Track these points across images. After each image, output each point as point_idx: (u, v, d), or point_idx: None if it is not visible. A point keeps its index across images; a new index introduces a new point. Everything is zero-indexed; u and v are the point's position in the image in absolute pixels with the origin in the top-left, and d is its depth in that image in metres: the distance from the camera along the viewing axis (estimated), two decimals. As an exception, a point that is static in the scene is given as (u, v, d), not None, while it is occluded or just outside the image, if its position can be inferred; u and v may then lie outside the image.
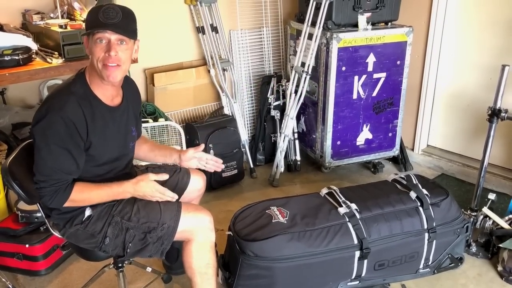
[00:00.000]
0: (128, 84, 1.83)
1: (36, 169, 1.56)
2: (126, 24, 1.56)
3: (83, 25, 2.42)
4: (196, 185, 2.07)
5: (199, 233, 1.75)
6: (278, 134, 3.37)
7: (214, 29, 3.20)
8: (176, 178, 2.00)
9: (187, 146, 2.99)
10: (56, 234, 1.79)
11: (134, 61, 2.42)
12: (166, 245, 1.71)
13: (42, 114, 1.54)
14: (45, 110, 1.54)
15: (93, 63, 1.58)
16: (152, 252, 1.71)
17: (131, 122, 1.80)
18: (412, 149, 3.57)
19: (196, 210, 1.79)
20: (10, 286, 2.21)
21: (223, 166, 2.04)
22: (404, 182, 2.31)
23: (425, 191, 2.22)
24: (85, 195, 1.64)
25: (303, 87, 3.07)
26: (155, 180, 1.68)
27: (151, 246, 1.70)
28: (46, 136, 1.53)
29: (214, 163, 2.01)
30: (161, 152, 2.04)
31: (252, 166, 3.41)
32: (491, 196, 2.50)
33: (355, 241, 2.03)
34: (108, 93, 1.67)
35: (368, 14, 2.97)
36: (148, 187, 1.67)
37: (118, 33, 1.54)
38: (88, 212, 1.70)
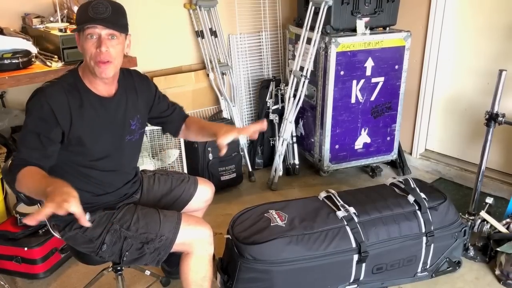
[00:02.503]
0: (129, 76, 1.79)
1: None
2: (116, 19, 1.55)
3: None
4: (203, 196, 2.03)
5: (197, 246, 1.73)
6: (277, 138, 3.38)
7: (213, 33, 3.22)
8: (182, 188, 1.97)
9: (186, 150, 2.99)
10: (56, 234, 1.79)
11: (132, 62, 2.44)
12: (162, 255, 1.70)
13: (30, 97, 1.56)
14: (33, 93, 1.56)
15: (85, 59, 1.57)
16: (148, 261, 1.71)
17: (130, 115, 1.74)
18: (410, 153, 3.58)
19: (196, 223, 1.75)
20: (9, 289, 2.22)
21: (264, 126, 1.76)
22: (402, 186, 2.32)
23: (423, 195, 2.23)
24: (25, 180, 1.44)
25: (301, 91, 3.08)
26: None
27: (147, 256, 1.69)
28: (25, 118, 1.55)
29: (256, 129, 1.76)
30: (205, 133, 1.92)
31: (250, 169, 3.42)
32: (489, 200, 2.51)
33: (353, 245, 2.04)
34: (100, 88, 1.65)
35: (367, 19, 2.99)
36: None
37: (108, 27, 1.52)
38: (87, 217, 1.68)
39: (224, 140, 1.68)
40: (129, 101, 1.75)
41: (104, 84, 1.65)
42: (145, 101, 1.83)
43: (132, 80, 1.79)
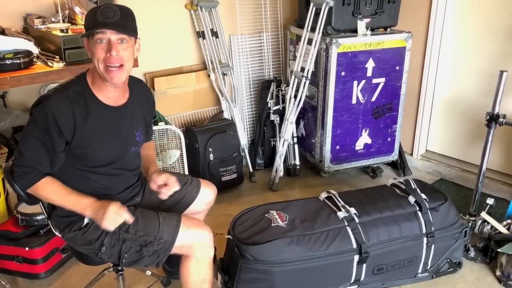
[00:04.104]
0: (139, 88, 1.80)
1: (18, 147, 1.60)
2: (125, 23, 1.55)
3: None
4: (206, 198, 2.03)
5: (197, 249, 1.72)
6: (278, 138, 3.38)
7: (214, 33, 3.22)
8: (185, 190, 1.97)
9: (187, 150, 3.00)
10: (57, 233, 1.79)
11: (135, 60, 2.45)
12: (162, 258, 1.70)
13: (35, 103, 1.57)
14: (38, 100, 1.57)
15: (95, 65, 1.57)
16: (148, 264, 1.71)
17: (135, 126, 1.76)
18: (411, 154, 3.58)
19: (196, 226, 1.75)
20: (10, 289, 2.22)
21: (168, 193, 1.79)
22: (403, 187, 2.32)
23: (423, 196, 2.23)
24: (47, 193, 1.61)
25: (302, 91, 3.09)
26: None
27: (146, 258, 1.69)
28: (30, 123, 1.57)
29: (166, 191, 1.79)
30: (144, 165, 1.91)
31: (251, 170, 3.42)
32: (490, 201, 2.50)
33: (354, 245, 2.04)
34: (110, 95, 1.65)
35: (367, 20, 2.99)
36: (107, 219, 1.56)
37: (118, 31, 1.52)
38: (86, 220, 1.69)
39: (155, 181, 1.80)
40: (136, 111, 1.76)
41: (114, 90, 1.65)
42: (148, 115, 1.86)
43: (141, 91, 1.82)
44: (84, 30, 1.59)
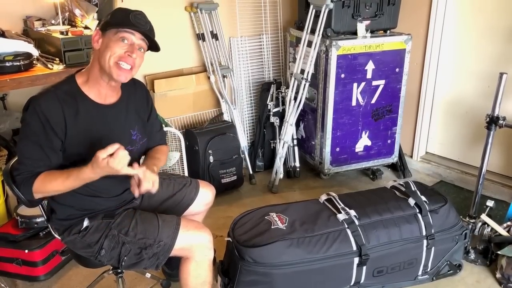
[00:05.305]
0: (133, 87, 1.80)
1: (16, 156, 1.61)
2: (152, 35, 1.64)
3: (84, 31, 2.45)
4: (205, 198, 2.04)
5: (197, 252, 1.73)
6: (278, 140, 3.38)
7: (214, 36, 3.22)
8: (184, 193, 1.97)
9: (187, 152, 3.00)
10: (57, 236, 1.79)
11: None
12: (161, 260, 1.70)
13: (25, 107, 1.57)
14: (27, 103, 1.56)
15: (101, 59, 1.57)
16: (147, 266, 1.71)
17: (131, 125, 1.75)
18: (411, 156, 3.58)
19: (196, 228, 1.75)
20: (9, 292, 2.22)
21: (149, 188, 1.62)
22: (403, 189, 2.32)
23: (423, 198, 2.22)
24: (48, 186, 1.55)
25: (302, 94, 3.09)
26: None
27: (146, 260, 1.69)
28: (23, 128, 1.57)
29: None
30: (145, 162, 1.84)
31: (251, 172, 3.42)
32: (490, 203, 2.50)
33: (354, 248, 2.04)
34: (103, 91, 1.65)
35: (367, 22, 2.99)
36: (102, 167, 1.46)
37: (144, 39, 1.61)
38: (86, 223, 1.69)
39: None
40: (130, 110, 1.75)
41: (107, 87, 1.65)
42: (143, 113, 1.85)
43: (135, 88, 1.81)
44: (109, 23, 1.59)
